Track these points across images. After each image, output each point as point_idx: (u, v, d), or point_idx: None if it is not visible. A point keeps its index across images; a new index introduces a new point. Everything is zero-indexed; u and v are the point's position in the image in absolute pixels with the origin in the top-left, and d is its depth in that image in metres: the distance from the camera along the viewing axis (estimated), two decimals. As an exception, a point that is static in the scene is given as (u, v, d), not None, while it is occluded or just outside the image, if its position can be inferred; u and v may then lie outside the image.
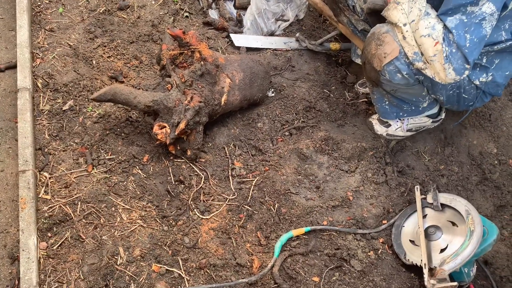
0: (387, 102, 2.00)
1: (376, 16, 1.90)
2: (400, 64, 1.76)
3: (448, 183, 2.13)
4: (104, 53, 2.27)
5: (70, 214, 1.73)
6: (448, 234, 1.76)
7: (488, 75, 1.83)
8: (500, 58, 1.79)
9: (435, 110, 2.08)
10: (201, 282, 1.65)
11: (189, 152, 1.91)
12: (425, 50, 1.67)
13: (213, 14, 2.52)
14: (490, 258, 2.06)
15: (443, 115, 2.15)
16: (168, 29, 1.88)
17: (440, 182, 2.12)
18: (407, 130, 2.15)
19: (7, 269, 1.64)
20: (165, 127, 1.84)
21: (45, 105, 2.03)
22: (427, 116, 2.10)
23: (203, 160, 1.98)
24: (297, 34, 2.48)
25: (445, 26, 1.63)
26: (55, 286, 1.58)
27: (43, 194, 1.77)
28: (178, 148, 1.92)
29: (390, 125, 2.14)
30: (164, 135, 1.83)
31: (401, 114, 2.05)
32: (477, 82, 1.84)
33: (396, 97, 1.96)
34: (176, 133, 1.81)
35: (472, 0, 1.57)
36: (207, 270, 1.68)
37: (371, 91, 2.05)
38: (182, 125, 1.80)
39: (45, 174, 1.83)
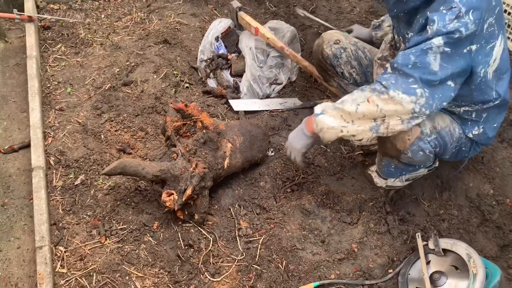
0: (393, 167, 2.05)
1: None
2: (423, 144, 1.84)
3: (449, 227, 2.19)
4: (111, 127, 2.41)
5: (86, 286, 1.80)
6: (453, 279, 1.80)
7: (480, 128, 1.93)
8: (487, 112, 1.89)
9: (431, 162, 2.19)
10: None
11: (196, 216, 2.00)
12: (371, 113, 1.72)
13: (211, 83, 2.69)
14: (499, 299, 2.08)
15: (437, 164, 2.25)
16: (171, 103, 2.02)
17: (441, 226, 2.17)
18: (406, 180, 2.24)
19: None
20: (173, 194, 1.94)
21: (58, 181, 2.14)
22: (424, 167, 2.20)
23: (210, 222, 2.06)
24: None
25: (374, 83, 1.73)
26: None
27: (59, 268, 1.85)
28: (186, 213, 2.00)
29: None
30: (172, 202, 1.92)
31: (404, 173, 2.14)
32: (470, 135, 1.94)
33: (404, 163, 1.99)
34: (183, 199, 1.91)
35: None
36: (221, 332, 1.72)
37: (379, 158, 2.08)
38: (188, 191, 1.90)
39: (61, 248, 1.91)
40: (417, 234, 1.99)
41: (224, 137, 2.12)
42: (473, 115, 1.89)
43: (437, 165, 2.25)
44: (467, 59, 1.64)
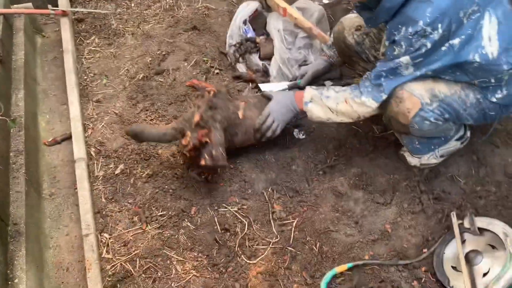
0: (417, 142, 2.10)
1: None
2: (425, 113, 1.88)
3: (486, 204, 2.16)
4: (146, 116, 2.50)
5: (131, 270, 1.91)
6: (489, 258, 1.79)
7: (503, 91, 1.91)
8: (508, 76, 1.86)
9: (462, 132, 2.18)
10: (255, 325, 1.76)
11: (213, 152, 1.99)
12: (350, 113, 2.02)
13: (241, 68, 2.71)
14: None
15: (468, 134, 2.23)
16: (186, 83, 2.21)
17: (478, 204, 2.15)
18: (440, 156, 2.22)
19: (80, 326, 1.82)
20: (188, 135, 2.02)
21: (99, 172, 2.25)
22: (456, 140, 2.18)
23: (245, 206, 2.12)
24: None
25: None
26: (124, 338, 1.74)
27: (105, 254, 1.96)
28: (207, 157, 2.01)
29: (422, 156, 2.21)
30: (188, 139, 2.00)
31: (432, 147, 2.14)
32: (494, 100, 1.93)
33: (426, 137, 2.06)
34: (193, 127, 1.99)
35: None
36: (259, 312, 1.79)
37: (400, 137, 2.16)
38: (197, 117, 1.99)
39: (105, 235, 2.03)
40: (452, 212, 1.98)
41: (236, 99, 2.22)
42: (492, 81, 1.87)
43: (468, 135, 2.22)
44: (450, 55, 1.77)
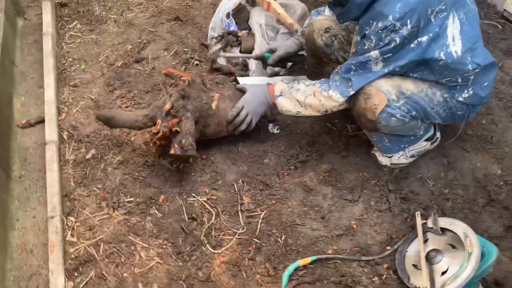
0: (386, 141, 2.13)
1: None
2: (391, 110, 1.92)
3: (453, 207, 2.19)
4: (122, 103, 2.49)
5: (94, 254, 1.90)
6: (448, 257, 1.82)
7: (469, 91, 1.96)
8: (474, 76, 1.92)
9: (431, 132, 2.21)
10: (215, 313, 1.77)
11: (183, 141, 2.00)
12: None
13: (221, 60, 2.71)
14: (501, 278, 2.09)
15: (438, 134, 2.27)
16: (163, 71, 2.25)
17: (445, 206, 2.18)
18: (410, 156, 2.25)
19: (39, 308, 1.81)
20: (159, 122, 2.03)
21: (70, 155, 2.24)
22: (425, 140, 2.21)
23: (214, 197, 2.12)
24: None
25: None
26: (82, 322, 1.74)
27: (69, 237, 1.95)
28: (176, 146, 2.01)
29: (392, 155, 2.24)
30: (157, 127, 2.01)
31: (402, 146, 2.17)
32: (461, 99, 1.98)
33: (395, 135, 2.09)
34: (163, 115, 2.00)
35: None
36: (220, 301, 1.80)
37: (370, 136, 2.19)
38: (167, 106, 2.00)
39: (71, 218, 2.02)
40: (416, 212, 2.01)
41: (212, 90, 2.23)
42: (459, 80, 1.92)
43: (438, 136, 2.26)
44: (418, 51, 1.81)
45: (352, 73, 1.93)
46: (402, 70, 1.89)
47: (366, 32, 1.80)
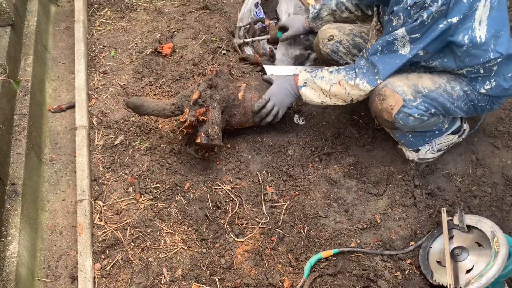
0: (410, 136, 2.11)
1: None
2: (408, 109, 1.89)
3: (481, 204, 2.15)
4: (150, 91, 2.52)
5: (121, 238, 1.95)
6: (474, 255, 1.80)
7: (491, 82, 1.91)
8: (496, 66, 1.86)
9: (457, 124, 2.17)
10: (236, 301, 1.80)
11: (209, 130, 2.02)
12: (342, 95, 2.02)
13: (248, 50, 2.72)
14: (527, 279, 2.05)
15: (465, 126, 2.23)
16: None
17: (472, 203, 2.14)
18: (437, 151, 2.21)
19: (68, 287, 1.87)
20: (186, 112, 2.06)
21: (99, 141, 2.29)
22: (452, 133, 2.17)
23: (238, 186, 2.14)
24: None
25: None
26: (108, 302, 1.79)
27: (97, 220, 2.01)
28: (202, 135, 2.03)
29: (419, 149, 2.21)
30: (185, 115, 2.03)
31: (427, 139, 2.14)
32: (483, 91, 1.93)
33: (417, 131, 2.07)
34: (191, 104, 2.02)
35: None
36: (242, 289, 1.83)
37: (392, 133, 2.17)
38: (195, 95, 2.02)
39: (99, 202, 2.07)
40: (442, 209, 1.98)
41: (238, 80, 2.23)
42: (481, 71, 1.87)
43: (465, 128, 2.22)
44: (446, 32, 1.75)
45: (378, 54, 1.88)
46: (427, 55, 1.84)
47: (395, 9, 1.75)
